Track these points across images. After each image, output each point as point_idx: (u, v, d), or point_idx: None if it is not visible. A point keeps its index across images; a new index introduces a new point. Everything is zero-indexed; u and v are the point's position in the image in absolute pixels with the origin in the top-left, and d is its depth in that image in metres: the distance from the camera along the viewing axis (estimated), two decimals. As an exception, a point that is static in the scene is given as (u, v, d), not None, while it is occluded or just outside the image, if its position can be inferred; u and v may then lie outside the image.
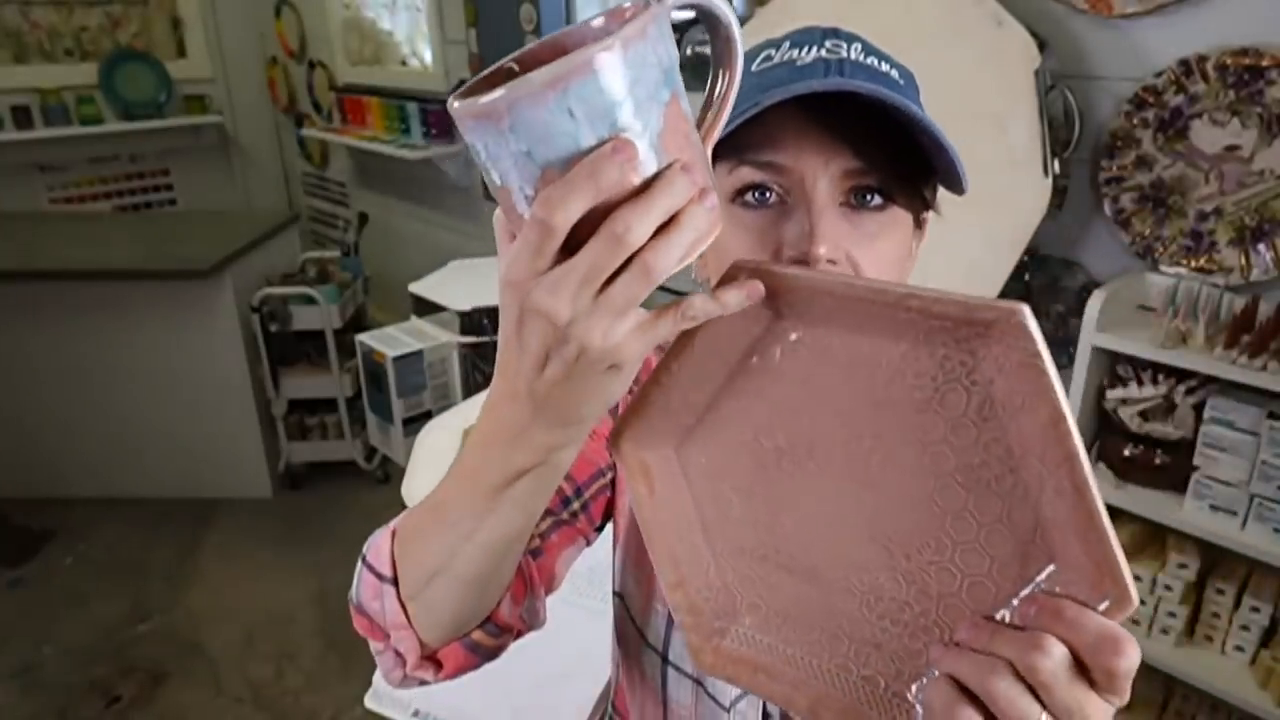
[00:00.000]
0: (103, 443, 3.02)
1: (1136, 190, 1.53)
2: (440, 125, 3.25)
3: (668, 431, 0.43)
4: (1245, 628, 1.43)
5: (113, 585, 2.65)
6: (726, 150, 0.52)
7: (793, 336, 0.39)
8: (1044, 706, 0.33)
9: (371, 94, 3.56)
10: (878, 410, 0.38)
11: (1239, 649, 1.45)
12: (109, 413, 2.97)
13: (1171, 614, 1.48)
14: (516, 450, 0.43)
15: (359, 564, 0.58)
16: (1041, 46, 1.47)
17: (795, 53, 0.53)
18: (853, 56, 0.53)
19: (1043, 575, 0.35)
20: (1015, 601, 0.35)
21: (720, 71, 0.39)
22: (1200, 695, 1.51)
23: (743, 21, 1.99)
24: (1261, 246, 1.41)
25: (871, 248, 0.52)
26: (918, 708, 0.38)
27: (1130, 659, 0.32)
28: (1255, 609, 1.42)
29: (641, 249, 0.34)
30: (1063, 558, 0.34)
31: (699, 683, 0.68)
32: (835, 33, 0.55)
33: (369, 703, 1.16)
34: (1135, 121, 1.50)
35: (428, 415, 2.28)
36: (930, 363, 0.36)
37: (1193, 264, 1.48)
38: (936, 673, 0.37)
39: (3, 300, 2.80)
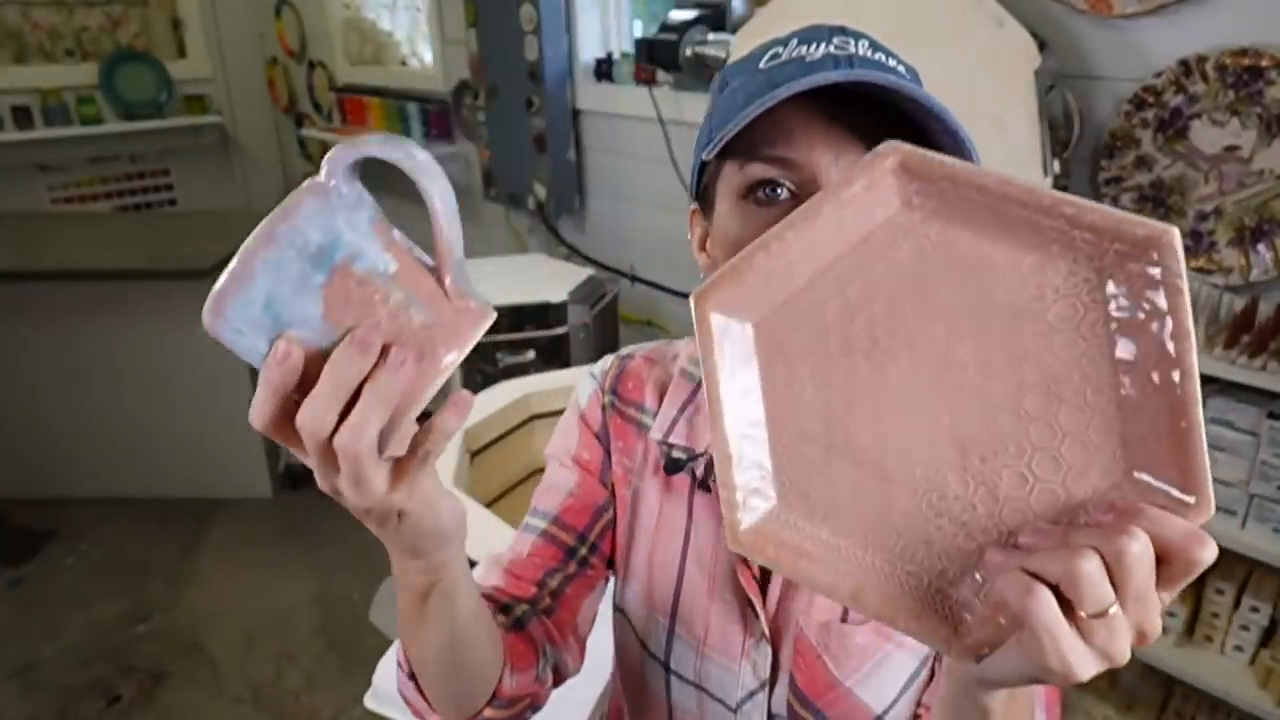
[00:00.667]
0: (103, 443, 3.02)
1: (1136, 190, 1.53)
2: (440, 125, 3.25)
3: (760, 302, 0.41)
4: (1245, 628, 1.43)
5: (113, 585, 2.65)
6: (738, 147, 0.52)
7: (921, 225, 0.39)
8: (1117, 593, 0.34)
9: (371, 94, 3.56)
10: (987, 315, 0.38)
11: (1239, 649, 1.45)
12: (109, 413, 2.97)
13: (1171, 614, 1.48)
14: (403, 575, 0.51)
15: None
16: (1041, 46, 1.48)
17: (804, 49, 0.53)
18: (860, 52, 0.53)
19: (1125, 481, 0.37)
20: (1089, 508, 0.37)
21: (432, 208, 0.42)
22: (1200, 695, 1.51)
23: (743, 21, 1.99)
24: (1261, 246, 1.41)
25: None
26: (962, 604, 0.39)
27: (1213, 552, 0.34)
28: (1255, 609, 1.42)
29: (351, 423, 0.40)
30: (1152, 468, 0.36)
31: (702, 688, 0.68)
32: (843, 30, 0.55)
33: (369, 703, 1.16)
34: (1135, 122, 1.50)
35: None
36: (1056, 275, 0.37)
37: (1193, 264, 1.48)
38: (982, 575, 0.39)
39: (3, 300, 2.80)
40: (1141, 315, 0.35)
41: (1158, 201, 1.51)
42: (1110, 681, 1.67)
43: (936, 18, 1.49)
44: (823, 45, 0.53)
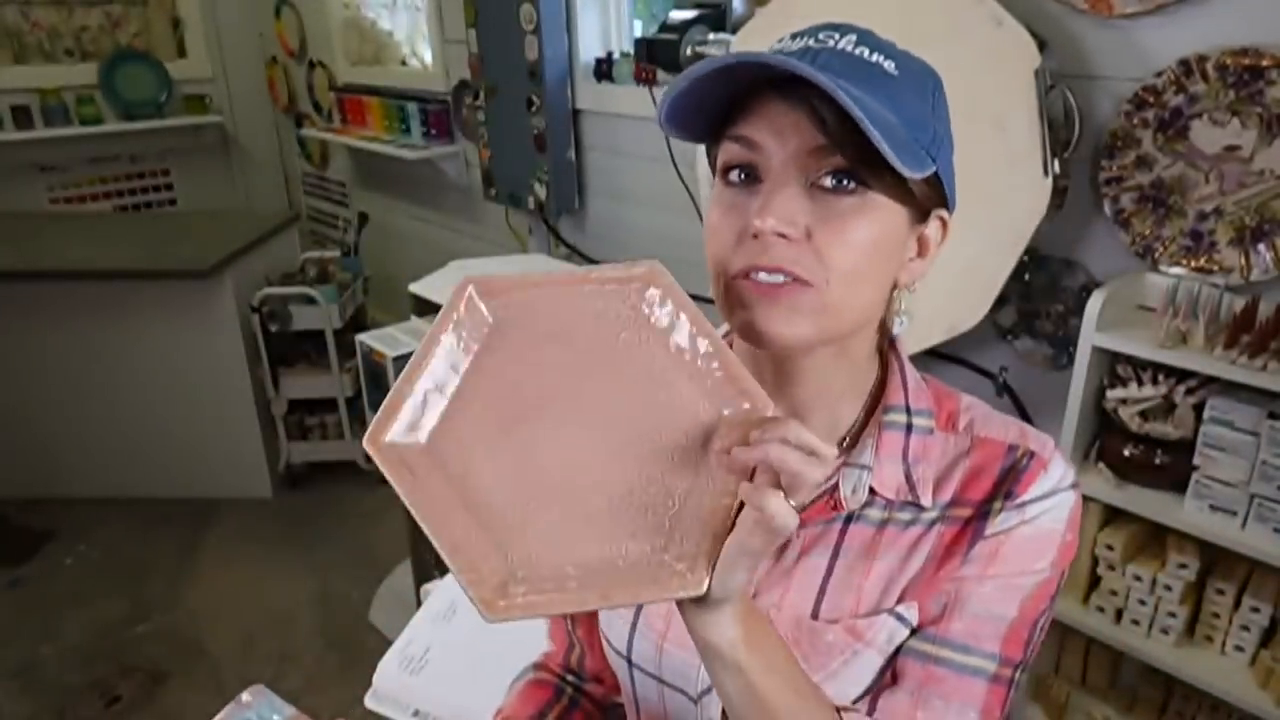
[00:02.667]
0: (103, 443, 3.02)
1: (1136, 190, 1.53)
2: (440, 125, 3.25)
3: (418, 425, 0.50)
4: (1245, 628, 1.43)
5: (113, 585, 2.66)
6: (721, 131, 0.56)
7: (512, 325, 0.51)
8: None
9: (371, 94, 3.56)
10: (584, 362, 0.51)
11: (1239, 649, 1.45)
12: (109, 413, 2.97)
13: (1171, 614, 1.48)
14: None
15: None
16: (1041, 46, 1.47)
17: (790, 42, 0.56)
18: (839, 46, 0.54)
19: (720, 419, 0.51)
20: (716, 445, 0.50)
21: None
22: (1200, 695, 1.51)
23: (743, 21, 1.99)
24: (1261, 246, 1.41)
25: (838, 228, 0.54)
26: (679, 556, 0.49)
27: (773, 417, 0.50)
28: (1255, 609, 1.42)
29: None
30: (730, 403, 0.51)
31: (661, 680, 0.70)
32: (837, 26, 0.56)
33: (369, 703, 1.16)
34: (1135, 121, 1.50)
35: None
36: (613, 318, 0.51)
37: (1193, 264, 1.48)
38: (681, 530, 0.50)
39: (3, 300, 2.80)
40: (669, 319, 0.51)
41: (1158, 201, 1.51)
42: (1110, 681, 1.67)
43: (936, 17, 1.49)
44: (806, 38, 0.55)
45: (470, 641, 1.14)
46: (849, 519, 0.63)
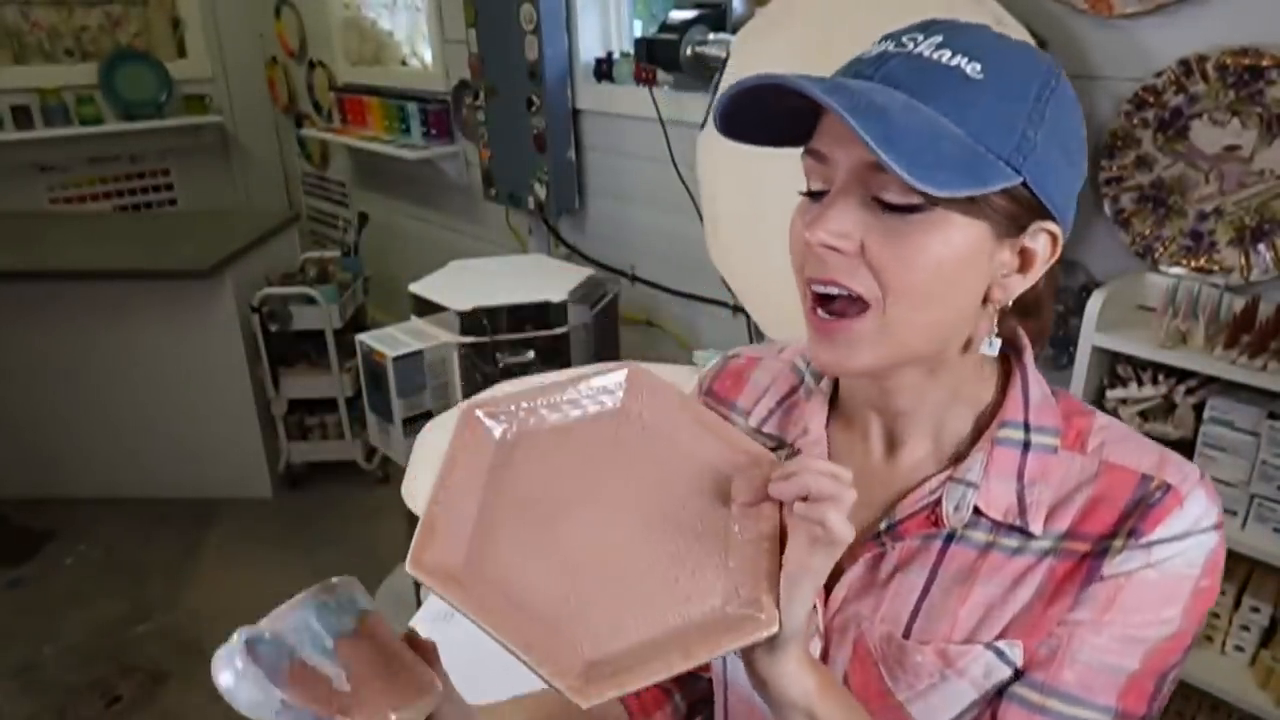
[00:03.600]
0: (103, 443, 3.02)
1: (1136, 190, 1.53)
2: (440, 125, 3.25)
3: (457, 540, 0.51)
4: (1245, 628, 1.43)
5: (113, 585, 2.66)
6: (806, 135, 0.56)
7: (519, 437, 0.57)
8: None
9: (371, 94, 3.56)
10: (594, 458, 0.57)
11: (1239, 649, 1.45)
12: (109, 413, 2.97)
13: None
14: None
15: None
16: (1042, 46, 1.47)
17: (873, 48, 0.54)
18: (918, 50, 0.52)
19: (731, 479, 0.55)
20: (735, 502, 0.54)
21: None
22: (1200, 695, 1.51)
23: (743, 21, 1.99)
24: (1261, 246, 1.41)
25: (896, 246, 0.51)
26: (742, 603, 0.50)
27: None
28: (1255, 609, 1.42)
29: None
30: (730, 464, 0.55)
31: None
32: (929, 25, 0.54)
33: (369, 703, 1.16)
34: (1135, 121, 1.50)
35: (428, 415, 2.27)
36: (608, 418, 0.58)
37: (1193, 264, 1.48)
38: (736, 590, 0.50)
39: (3, 300, 2.80)
40: (658, 405, 0.59)
41: (1158, 201, 1.51)
42: (1110, 681, 1.67)
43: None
44: (889, 43, 0.54)
45: (470, 641, 1.14)
46: (950, 538, 0.59)
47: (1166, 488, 0.54)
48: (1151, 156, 1.50)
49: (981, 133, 0.50)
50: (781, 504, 0.51)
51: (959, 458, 0.60)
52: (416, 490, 1.61)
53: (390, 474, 3.06)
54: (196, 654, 2.36)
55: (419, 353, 2.23)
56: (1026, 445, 0.58)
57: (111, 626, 2.48)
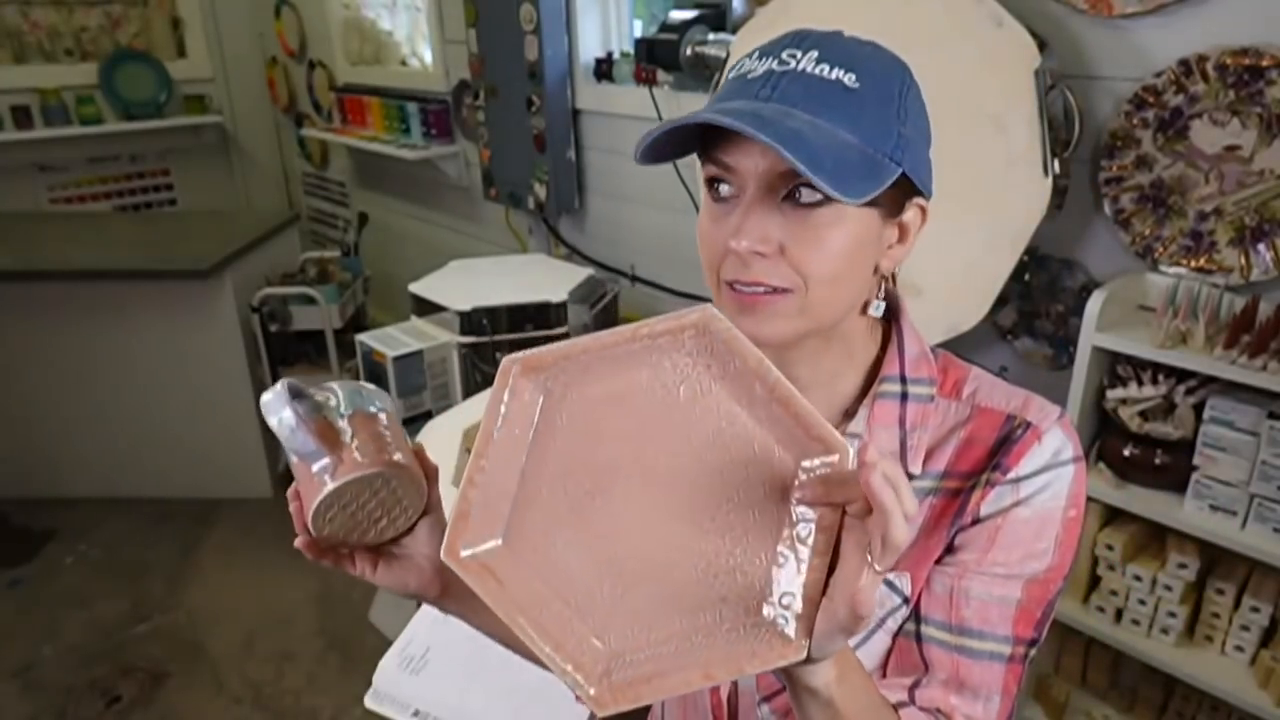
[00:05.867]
0: (103, 443, 3.02)
1: (1136, 190, 1.53)
2: (440, 125, 3.25)
3: (493, 524, 0.49)
4: (1245, 628, 1.43)
5: (113, 585, 2.66)
6: (704, 146, 0.59)
7: (564, 397, 0.50)
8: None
9: (371, 94, 3.56)
10: (645, 424, 0.49)
11: (1239, 649, 1.45)
12: (109, 413, 2.97)
13: (1171, 614, 1.48)
14: None
15: None
16: (1041, 46, 1.47)
17: (756, 64, 0.58)
18: (800, 67, 0.56)
19: (801, 468, 0.48)
20: (795, 496, 0.48)
21: None
22: (1200, 695, 1.51)
23: (743, 21, 1.99)
24: (1261, 246, 1.41)
25: (812, 240, 0.57)
26: (777, 618, 0.48)
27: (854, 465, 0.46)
28: (1255, 609, 1.42)
29: None
30: (806, 453, 0.48)
31: None
32: (800, 39, 0.58)
33: (369, 703, 1.16)
34: (1135, 121, 1.50)
35: (428, 415, 2.28)
36: (666, 373, 0.49)
37: (1193, 264, 1.48)
38: (776, 586, 0.48)
39: (3, 300, 2.80)
40: (729, 365, 0.48)
41: (1158, 201, 1.51)
42: (1110, 681, 1.67)
43: (936, 18, 1.49)
44: (769, 60, 0.58)
45: (470, 641, 1.14)
46: None
47: (1027, 425, 0.61)
48: (1151, 156, 1.50)
49: (871, 138, 0.56)
50: (844, 510, 0.46)
51: (850, 414, 0.66)
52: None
53: (390, 474, 3.05)
54: (196, 654, 2.36)
55: (419, 353, 2.23)
56: (904, 396, 0.64)
57: (111, 626, 2.48)
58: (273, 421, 0.55)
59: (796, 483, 0.48)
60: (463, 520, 0.48)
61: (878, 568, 0.44)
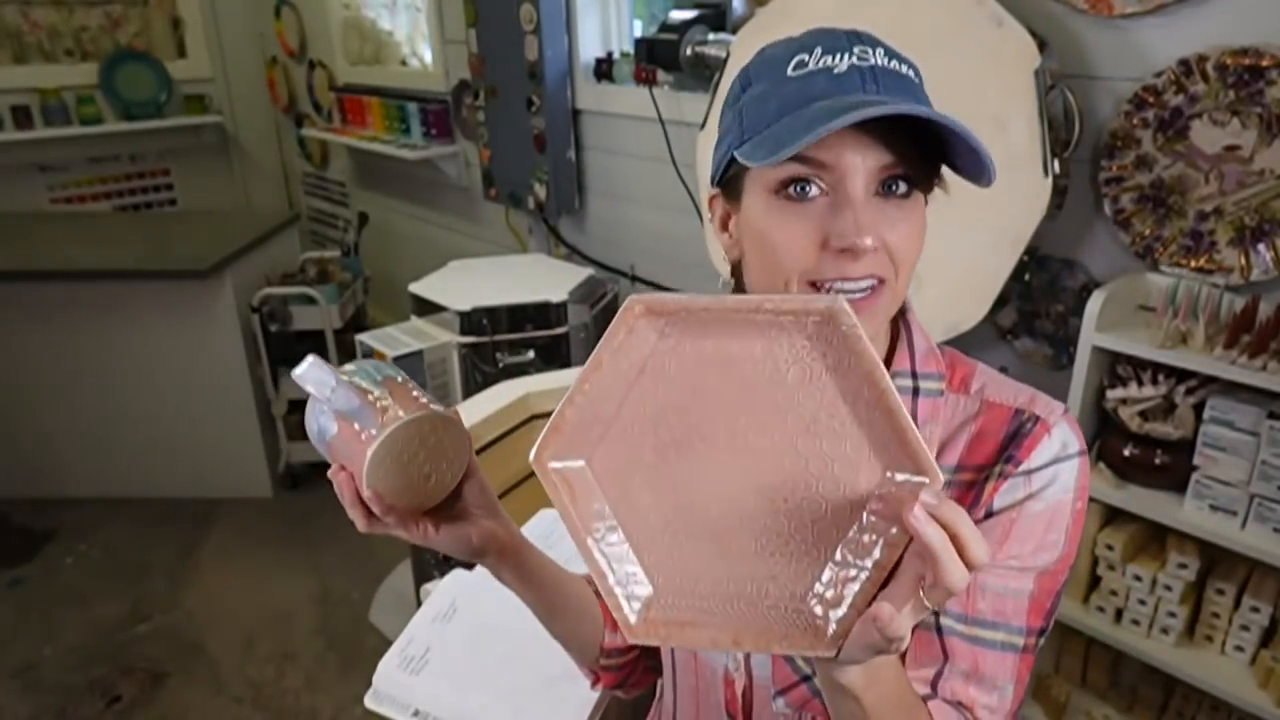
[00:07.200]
0: (103, 443, 3.02)
1: (1136, 190, 1.53)
2: (440, 125, 3.25)
3: (582, 444, 0.51)
4: (1245, 628, 1.43)
5: (113, 585, 2.66)
6: (771, 144, 0.55)
7: (676, 348, 0.50)
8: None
9: (371, 94, 3.56)
10: (747, 393, 0.49)
11: (1239, 649, 1.45)
12: (109, 413, 2.97)
13: (1171, 614, 1.48)
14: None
15: None
16: (1041, 46, 1.47)
17: (829, 59, 0.57)
18: (879, 62, 0.57)
19: (884, 480, 0.49)
20: (872, 504, 0.49)
21: None
22: (1200, 695, 1.51)
23: (743, 21, 1.99)
24: (1261, 246, 1.41)
25: (900, 230, 0.58)
26: (818, 612, 0.50)
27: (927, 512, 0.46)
28: (1255, 609, 1.42)
29: None
30: (897, 465, 0.48)
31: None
32: (858, 37, 0.59)
33: (369, 703, 1.16)
34: (1135, 121, 1.50)
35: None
36: (781, 350, 0.49)
37: (1193, 264, 1.48)
38: (827, 580, 0.50)
39: (3, 300, 2.80)
40: (844, 360, 0.47)
41: (1158, 201, 1.51)
42: (1110, 681, 1.67)
43: (936, 17, 1.49)
44: (845, 56, 0.57)
45: (470, 641, 1.14)
46: None
47: (1035, 419, 0.63)
48: (1151, 156, 1.50)
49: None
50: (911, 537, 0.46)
51: None
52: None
53: (390, 474, 3.06)
54: (196, 654, 2.36)
55: (419, 353, 2.23)
56: (916, 391, 0.65)
57: (111, 626, 2.48)
58: (311, 387, 0.58)
59: (878, 492, 0.49)
60: (555, 433, 0.50)
61: (926, 603, 0.44)
